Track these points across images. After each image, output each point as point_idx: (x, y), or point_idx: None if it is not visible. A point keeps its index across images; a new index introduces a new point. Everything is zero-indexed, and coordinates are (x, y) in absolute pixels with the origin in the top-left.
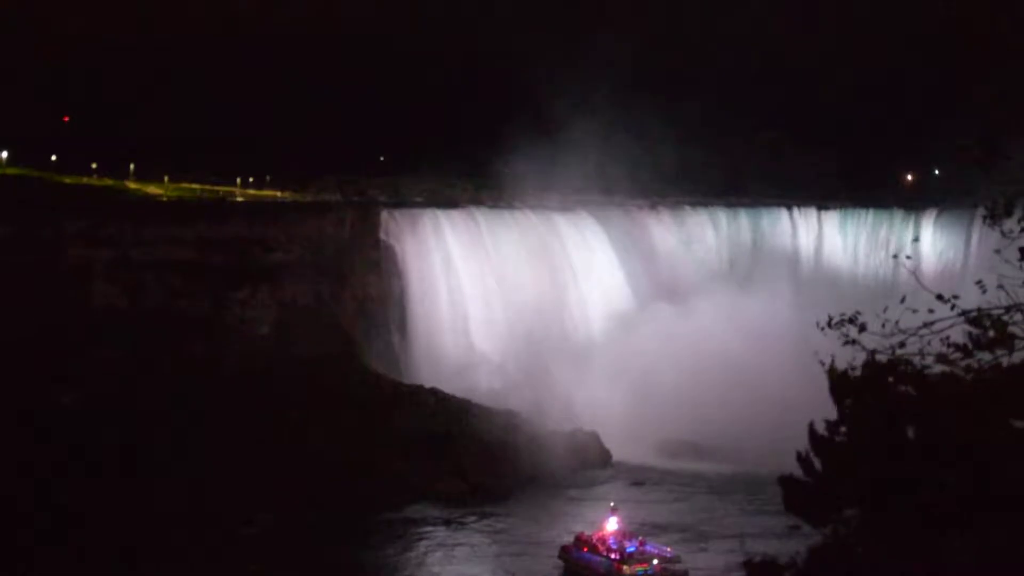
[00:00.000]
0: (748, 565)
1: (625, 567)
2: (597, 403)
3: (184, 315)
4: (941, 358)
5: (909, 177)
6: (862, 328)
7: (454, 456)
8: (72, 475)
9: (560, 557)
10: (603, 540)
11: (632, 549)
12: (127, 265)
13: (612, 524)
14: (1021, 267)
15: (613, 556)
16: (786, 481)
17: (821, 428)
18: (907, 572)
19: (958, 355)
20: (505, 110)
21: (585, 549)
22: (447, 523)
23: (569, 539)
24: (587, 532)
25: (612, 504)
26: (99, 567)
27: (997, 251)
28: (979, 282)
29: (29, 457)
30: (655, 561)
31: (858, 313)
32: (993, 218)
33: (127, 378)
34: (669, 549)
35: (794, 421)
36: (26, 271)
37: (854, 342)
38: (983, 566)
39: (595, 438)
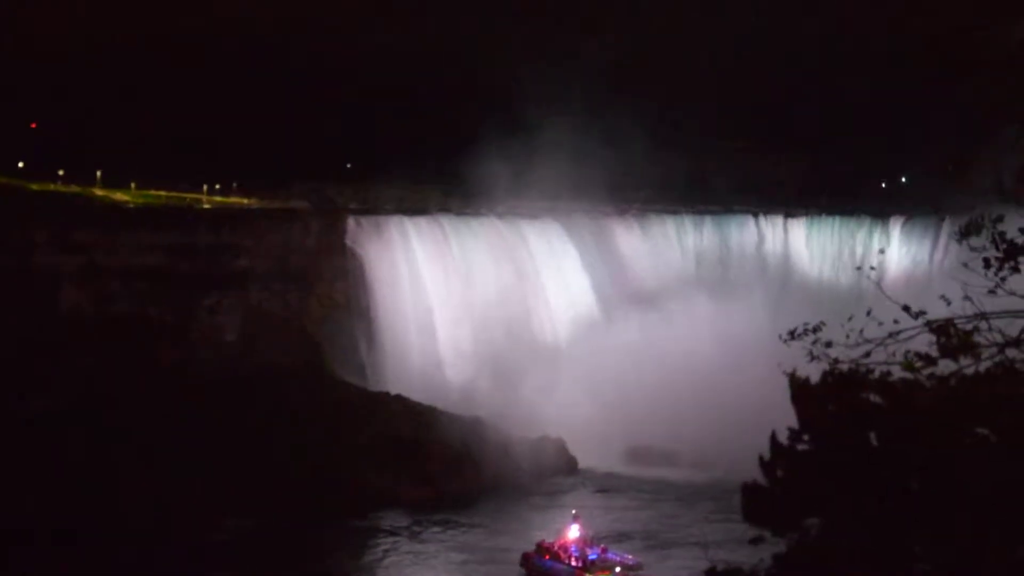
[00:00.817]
0: (711, 573)
1: (587, 574)
2: (563, 410)
3: (152, 322)
4: (907, 367)
5: (883, 185)
6: (828, 344)
7: (420, 463)
8: (39, 481)
9: (522, 565)
10: (565, 547)
11: (594, 556)
12: (95, 272)
13: (574, 531)
14: (987, 276)
15: (575, 563)
16: (748, 488)
17: (783, 437)
18: None
19: (923, 364)
20: (475, 115)
21: (547, 557)
22: (412, 530)
23: (531, 547)
24: (549, 539)
25: (574, 511)
26: (58, 571)
27: (965, 264)
28: (943, 296)
29: None
30: (617, 568)
31: (822, 323)
32: (966, 235)
33: (95, 384)
34: (631, 556)
35: (762, 428)
36: None
37: (819, 353)
38: (949, 573)
39: (561, 445)
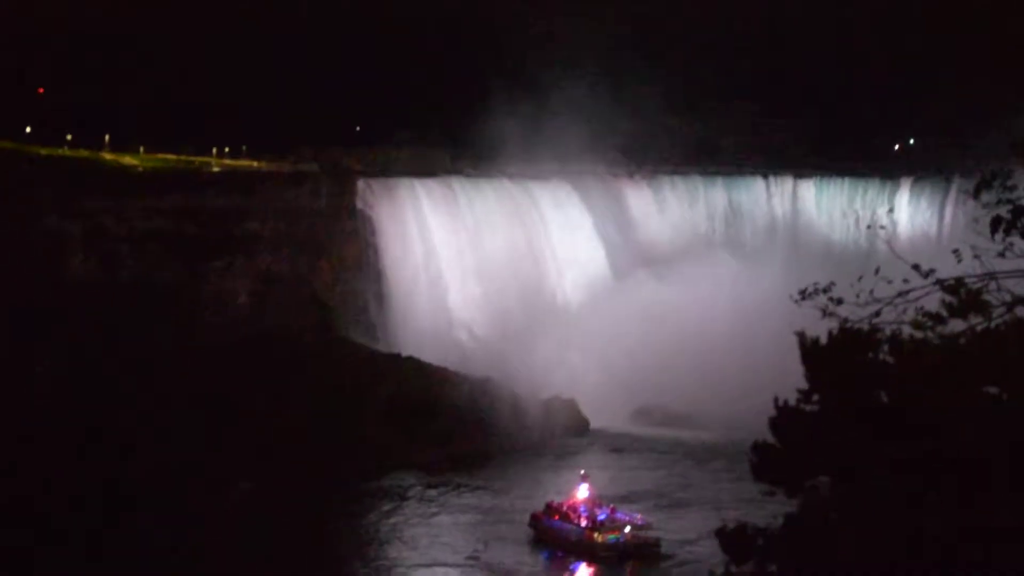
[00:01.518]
0: (721, 532)
1: (596, 535)
2: (575, 371)
3: (160, 286)
4: (916, 326)
5: (896, 147)
6: (839, 302)
7: (431, 424)
8: (48, 449)
9: (531, 525)
10: (574, 508)
11: (603, 517)
12: (103, 236)
13: (583, 491)
14: (994, 240)
15: (584, 523)
16: (758, 448)
17: (791, 399)
18: (881, 538)
19: (933, 323)
20: (486, 76)
21: (556, 517)
22: (423, 491)
23: (541, 507)
24: (558, 500)
25: (582, 471)
26: (73, 537)
27: (975, 219)
28: (955, 251)
29: (2, 430)
30: (627, 529)
31: (832, 284)
32: (978, 192)
33: (103, 349)
34: (640, 516)
35: (773, 388)
36: (1, 243)
37: (830, 312)
38: (957, 532)
39: (573, 406)
